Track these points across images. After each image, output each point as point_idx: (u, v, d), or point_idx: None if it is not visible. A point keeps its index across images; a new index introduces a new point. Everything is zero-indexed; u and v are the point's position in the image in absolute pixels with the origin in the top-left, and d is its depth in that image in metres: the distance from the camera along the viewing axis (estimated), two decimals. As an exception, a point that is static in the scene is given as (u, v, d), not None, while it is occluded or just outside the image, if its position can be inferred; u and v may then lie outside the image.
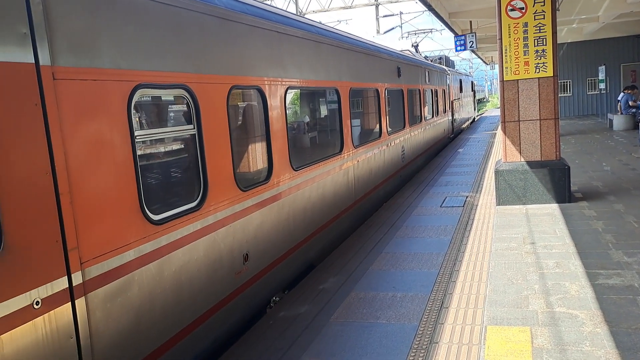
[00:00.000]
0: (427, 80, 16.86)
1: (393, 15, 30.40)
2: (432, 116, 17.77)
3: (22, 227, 2.90)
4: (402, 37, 31.98)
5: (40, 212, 3.00)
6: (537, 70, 8.65)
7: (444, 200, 10.18)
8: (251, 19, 5.53)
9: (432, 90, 17.75)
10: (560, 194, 8.64)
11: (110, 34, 3.58)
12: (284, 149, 6.16)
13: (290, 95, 6.74)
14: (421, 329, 4.73)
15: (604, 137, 17.45)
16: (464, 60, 65.90)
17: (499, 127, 13.68)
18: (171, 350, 4.12)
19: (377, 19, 27.31)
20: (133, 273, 3.70)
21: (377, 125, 10.74)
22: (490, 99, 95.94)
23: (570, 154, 14.05)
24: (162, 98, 4.59)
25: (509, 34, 8.67)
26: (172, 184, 4.79)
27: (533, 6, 8.52)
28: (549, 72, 8.61)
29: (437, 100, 18.77)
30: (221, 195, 4.79)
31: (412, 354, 4.28)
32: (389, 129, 11.43)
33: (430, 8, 16.04)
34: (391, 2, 25.31)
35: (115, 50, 3.61)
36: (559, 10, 12.87)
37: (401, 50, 17.43)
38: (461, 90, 27.66)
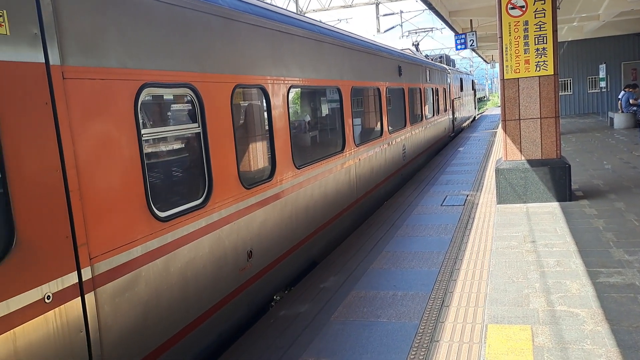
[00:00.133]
0: (428, 79, 16.86)
1: (393, 14, 30.42)
2: (433, 115, 17.77)
3: (34, 223, 2.96)
4: (402, 36, 31.98)
5: (50, 208, 3.07)
6: (538, 68, 8.64)
7: (445, 199, 10.18)
8: (254, 19, 5.57)
9: (432, 89, 17.75)
10: (561, 193, 8.64)
11: (117, 34, 3.63)
12: (286, 148, 6.20)
13: (293, 94, 6.77)
14: (422, 327, 4.73)
15: (604, 135, 17.44)
16: (464, 59, 65.86)
17: (500, 125, 13.68)
18: (177, 345, 4.18)
19: (378, 18, 27.31)
20: (140, 269, 3.76)
21: (379, 124, 10.75)
22: (490, 97, 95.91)
23: (571, 152, 14.05)
24: (168, 97, 4.64)
25: (510, 32, 8.66)
26: (178, 182, 4.84)
27: (533, 4, 8.51)
28: (550, 71, 8.60)
29: (437, 99, 18.78)
30: (225, 193, 4.85)
31: (413, 353, 4.29)
32: (390, 128, 11.45)
33: (430, 7, 16.05)
34: (391, 1, 25.31)
35: (122, 50, 3.67)
36: (559, 8, 12.87)
37: (402, 49, 17.43)
38: (462, 89, 27.65)
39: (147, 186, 3.85)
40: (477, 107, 41.24)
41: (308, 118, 8.04)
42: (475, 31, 20.14)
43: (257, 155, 5.93)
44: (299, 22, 6.98)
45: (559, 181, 8.63)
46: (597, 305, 4.65)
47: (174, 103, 4.78)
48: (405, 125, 13.04)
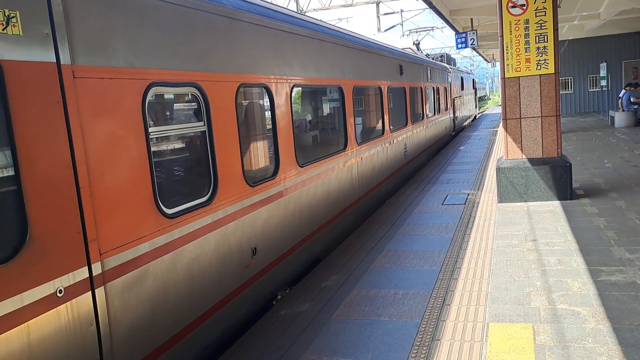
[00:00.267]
0: (429, 78, 16.87)
1: (394, 13, 30.39)
2: (434, 114, 17.78)
3: (46, 219, 3.02)
4: (403, 35, 31.93)
5: (62, 205, 3.13)
6: (539, 67, 8.64)
7: (446, 198, 10.19)
8: (258, 19, 5.62)
9: (433, 88, 17.76)
10: (562, 191, 8.64)
11: (125, 34, 3.70)
12: (290, 146, 6.26)
13: (296, 93, 6.81)
14: (423, 326, 4.74)
15: (605, 134, 17.43)
16: (465, 58, 65.83)
17: (501, 124, 13.68)
18: (183, 341, 4.23)
19: (378, 17, 27.30)
20: (148, 265, 3.82)
21: (380, 123, 10.78)
22: (491, 96, 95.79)
23: (572, 151, 14.04)
24: (174, 96, 4.70)
25: (510, 31, 8.66)
26: (184, 179, 4.90)
27: (534, 3, 8.51)
28: (551, 69, 8.60)
29: (438, 98, 18.79)
30: (230, 191, 4.92)
31: (415, 351, 4.30)
32: (392, 127, 11.47)
33: (431, 5, 16.04)
34: (392, 0, 25.29)
35: (129, 49, 3.74)
36: (560, 6, 12.86)
37: (403, 48, 17.42)
38: (462, 88, 27.64)
39: (155, 183, 3.91)
40: (477, 106, 41.23)
41: (311, 117, 8.08)
42: (476, 30, 20.14)
43: (261, 153, 5.99)
44: (301, 22, 7.02)
45: (560, 180, 8.64)
46: (599, 304, 4.66)
47: (180, 102, 4.85)
48: (406, 124, 13.06)
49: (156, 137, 4.12)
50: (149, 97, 3.93)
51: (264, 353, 4.55)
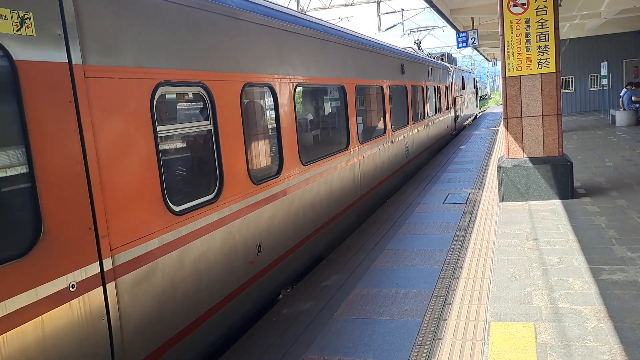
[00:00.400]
0: (430, 78, 16.88)
1: (394, 12, 30.36)
2: (435, 113, 17.79)
3: (59, 215, 3.09)
4: (404, 34, 31.90)
5: (74, 201, 3.20)
6: (540, 66, 8.64)
7: (447, 197, 10.19)
8: (262, 18, 5.68)
9: (434, 87, 17.77)
10: (563, 190, 8.64)
11: (134, 34, 3.76)
12: (293, 145, 6.33)
13: (299, 92, 6.86)
14: (425, 325, 4.75)
15: (606, 133, 17.43)
16: (465, 57, 65.72)
17: (502, 123, 13.68)
18: (190, 336, 4.29)
19: (379, 16, 27.29)
20: (157, 261, 3.89)
21: (382, 122, 10.81)
22: (492, 95, 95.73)
23: (573, 150, 14.04)
24: (181, 95, 4.76)
25: (511, 30, 8.67)
26: (191, 177, 4.96)
27: (535, 2, 8.51)
28: (552, 68, 8.60)
29: (439, 97, 18.80)
30: (236, 189, 4.99)
31: (416, 350, 4.30)
32: (393, 126, 11.50)
33: (431, 5, 16.03)
34: (393, -1, 25.24)
35: (138, 49, 3.81)
36: (561, 5, 12.87)
37: (404, 48, 17.43)
38: (463, 87, 27.63)
39: (163, 181, 3.98)
40: (478, 105, 41.20)
41: (313, 116, 8.11)
42: (477, 29, 20.12)
43: (266, 151, 6.06)
44: (304, 22, 7.07)
45: (561, 179, 8.64)
46: (600, 303, 4.67)
47: (187, 101, 4.91)
48: (407, 123, 13.07)
49: (164, 136, 4.19)
50: (157, 97, 3.99)
51: (265, 352, 4.56)
